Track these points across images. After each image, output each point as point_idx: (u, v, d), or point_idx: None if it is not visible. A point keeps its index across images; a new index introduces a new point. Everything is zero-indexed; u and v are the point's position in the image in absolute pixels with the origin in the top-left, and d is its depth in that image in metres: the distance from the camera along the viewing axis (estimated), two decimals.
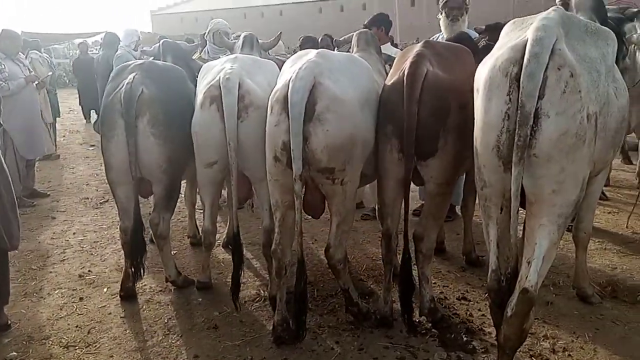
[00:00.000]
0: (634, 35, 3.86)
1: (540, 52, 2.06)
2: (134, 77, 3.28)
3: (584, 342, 3.00)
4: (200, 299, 3.62)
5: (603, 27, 2.55)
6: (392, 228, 3.05)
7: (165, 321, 3.34)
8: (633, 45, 4.36)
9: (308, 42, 5.71)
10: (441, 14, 4.58)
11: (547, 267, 2.21)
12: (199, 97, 3.26)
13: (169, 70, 3.71)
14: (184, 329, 3.24)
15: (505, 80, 2.15)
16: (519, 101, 2.07)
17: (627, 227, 4.73)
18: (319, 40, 5.80)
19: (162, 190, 3.48)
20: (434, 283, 3.86)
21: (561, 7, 2.33)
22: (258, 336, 3.13)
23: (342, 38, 4.33)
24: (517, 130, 2.08)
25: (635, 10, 3.62)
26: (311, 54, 2.84)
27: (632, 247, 4.39)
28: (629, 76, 4.46)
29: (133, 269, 3.47)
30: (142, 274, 3.56)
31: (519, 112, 2.07)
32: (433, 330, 3.12)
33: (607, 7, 3.59)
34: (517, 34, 2.30)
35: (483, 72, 2.31)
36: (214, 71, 3.27)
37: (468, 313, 3.35)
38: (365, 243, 4.67)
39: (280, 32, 4.67)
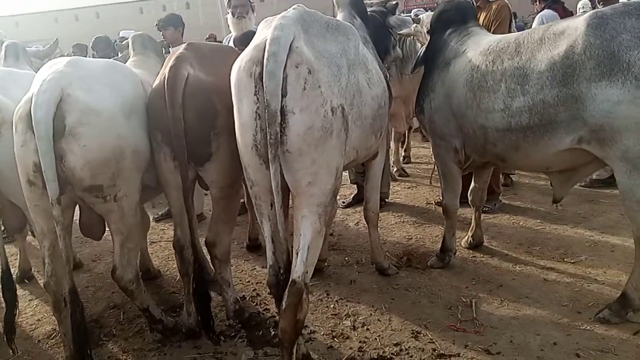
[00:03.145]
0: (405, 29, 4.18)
1: (278, 50, 2.11)
2: None
3: (380, 314, 3.21)
4: None
5: (344, 22, 2.70)
6: (182, 238, 2.95)
7: None
8: (412, 37, 4.79)
9: (101, 43, 5.32)
10: (228, 12, 4.58)
11: (314, 256, 2.28)
12: None
13: None
14: None
15: (250, 81, 2.17)
16: (265, 100, 2.10)
17: (430, 183, 5.41)
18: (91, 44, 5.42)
19: None
20: (248, 281, 3.88)
21: (302, 5, 2.40)
22: None
23: (124, 42, 4.08)
24: (267, 128, 2.11)
25: (395, 3, 3.93)
26: (60, 63, 2.59)
27: (426, 217, 4.87)
28: (409, 64, 4.89)
29: None
30: None
31: (266, 111, 2.10)
32: (242, 331, 3.12)
33: (369, 1, 3.86)
34: (264, 33, 2.33)
35: (233, 73, 2.31)
36: None
37: None
38: None
39: (57, 39, 4.27)
